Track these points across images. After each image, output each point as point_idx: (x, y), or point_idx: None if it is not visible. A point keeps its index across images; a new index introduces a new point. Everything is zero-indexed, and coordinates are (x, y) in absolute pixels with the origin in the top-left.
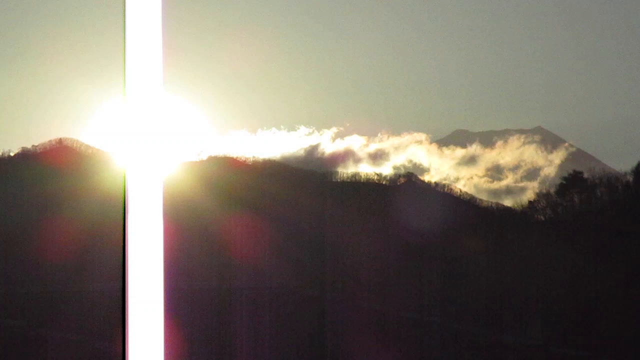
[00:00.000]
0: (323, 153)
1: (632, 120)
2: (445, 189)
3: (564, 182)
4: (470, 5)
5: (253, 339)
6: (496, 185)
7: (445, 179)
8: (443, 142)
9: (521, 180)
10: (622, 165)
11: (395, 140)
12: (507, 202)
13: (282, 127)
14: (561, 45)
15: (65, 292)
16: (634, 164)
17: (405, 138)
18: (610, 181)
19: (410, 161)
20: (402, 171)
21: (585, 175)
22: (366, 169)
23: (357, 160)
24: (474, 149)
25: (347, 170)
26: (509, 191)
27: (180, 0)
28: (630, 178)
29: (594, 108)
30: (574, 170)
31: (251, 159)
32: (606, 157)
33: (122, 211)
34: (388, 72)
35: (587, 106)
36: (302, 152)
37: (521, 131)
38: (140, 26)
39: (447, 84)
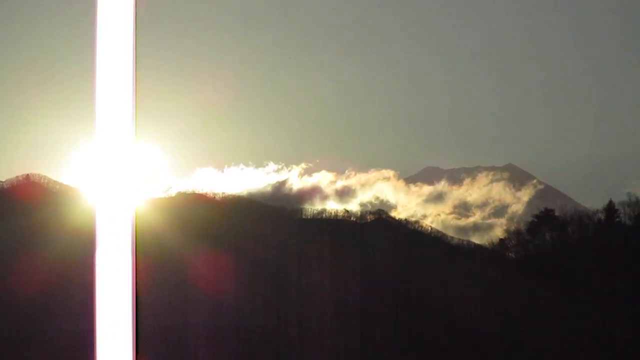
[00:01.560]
0: (291, 189)
1: (604, 157)
2: (416, 226)
3: (535, 220)
4: (441, 44)
5: None
6: (463, 222)
7: (412, 216)
8: (412, 179)
9: (489, 217)
10: (593, 202)
11: (362, 177)
12: (475, 239)
13: (250, 163)
14: (534, 83)
15: (32, 332)
16: (606, 201)
17: (373, 174)
18: (582, 219)
19: (377, 198)
20: (369, 208)
21: (557, 212)
22: (334, 206)
23: (324, 197)
24: (442, 186)
25: (315, 207)
26: (476, 228)
27: (152, 39)
28: (602, 216)
29: (567, 145)
30: (545, 208)
31: (220, 195)
32: (578, 194)
33: (91, 247)
34: (359, 108)
35: (560, 143)
36: (269, 189)
37: (492, 168)
38: (112, 64)
39: (420, 121)
